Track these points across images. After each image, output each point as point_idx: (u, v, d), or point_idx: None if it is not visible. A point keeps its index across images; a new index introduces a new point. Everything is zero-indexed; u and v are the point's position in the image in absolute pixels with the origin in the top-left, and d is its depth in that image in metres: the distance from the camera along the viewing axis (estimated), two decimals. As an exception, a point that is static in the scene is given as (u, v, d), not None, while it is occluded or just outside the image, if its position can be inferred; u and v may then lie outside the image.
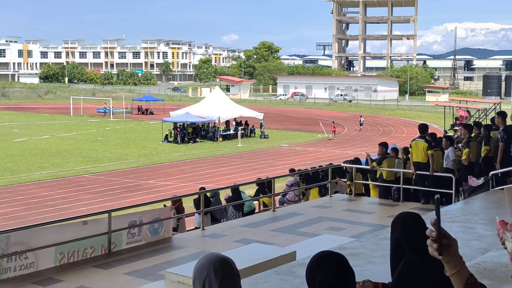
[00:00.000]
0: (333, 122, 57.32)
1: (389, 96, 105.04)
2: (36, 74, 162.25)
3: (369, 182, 15.87)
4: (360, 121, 62.10)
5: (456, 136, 23.86)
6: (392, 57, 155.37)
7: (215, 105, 50.75)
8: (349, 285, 2.88)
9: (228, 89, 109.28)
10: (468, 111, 49.07)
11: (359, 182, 15.78)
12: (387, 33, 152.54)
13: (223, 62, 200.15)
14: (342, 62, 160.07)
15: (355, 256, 7.47)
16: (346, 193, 16.05)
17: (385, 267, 6.98)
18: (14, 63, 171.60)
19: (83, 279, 9.38)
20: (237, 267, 2.85)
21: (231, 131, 51.34)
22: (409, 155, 14.58)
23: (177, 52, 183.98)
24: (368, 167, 15.24)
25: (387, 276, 4.54)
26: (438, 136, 17.17)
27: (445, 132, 38.79)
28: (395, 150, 15.93)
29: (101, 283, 9.19)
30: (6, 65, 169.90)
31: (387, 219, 12.75)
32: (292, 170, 19.16)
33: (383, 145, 15.31)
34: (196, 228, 14.40)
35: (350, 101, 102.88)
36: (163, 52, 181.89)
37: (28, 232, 9.95)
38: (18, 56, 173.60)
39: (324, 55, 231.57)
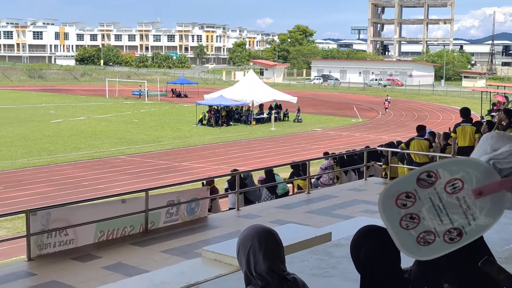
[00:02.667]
0: (386, 99, 61.06)
1: (425, 81, 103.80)
2: (72, 56, 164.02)
3: (405, 166, 15.77)
4: (388, 99, 62.76)
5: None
6: (428, 42, 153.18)
7: (248, 88, 50.78)
8: (394, 261, 2.88)
9: (261, 73, 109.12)
10: (506, 97, 48.32)
11: (395, 166, 15.69)
12: (424, 17, 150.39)
13: (257, 45, 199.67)
14: (377, 46, 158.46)
15: (390, 238, 7.47)
16: (381, 177, 15.98)
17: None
18: (50, 45, 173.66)
19: (120, 256, 9.56)
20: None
21: (265, 115, 51.34)
22: (450, 141, 14.41)
23: (212, 36, 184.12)
24: (402, 151, 15.18)
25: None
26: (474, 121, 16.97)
27: (482, 118, 38.25)
28: (432, 134, 15.81)
29: (138, 260, 9.36)
30: (43, 47, 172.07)
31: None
32: (326, 154, 19.13)
33: (418, 128, 15.24)
34: (230, 209, 14.51)
35: (385, 86, 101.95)
36: (197, 35, 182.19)
37: (68, 209, 10.17)
38: (55, 39, 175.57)
39: (359, 39, 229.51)
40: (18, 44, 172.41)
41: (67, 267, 9.11)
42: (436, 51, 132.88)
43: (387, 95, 66.56)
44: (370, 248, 2.83)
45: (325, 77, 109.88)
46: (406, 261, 4.00)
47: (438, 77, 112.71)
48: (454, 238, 2.70)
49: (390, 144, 17.90)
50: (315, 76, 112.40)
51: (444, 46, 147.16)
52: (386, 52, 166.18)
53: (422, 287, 3.12)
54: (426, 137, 15.25)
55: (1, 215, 16.09)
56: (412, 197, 2.65)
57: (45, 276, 8.69)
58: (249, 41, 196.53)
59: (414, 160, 14.89)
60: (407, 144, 15.12)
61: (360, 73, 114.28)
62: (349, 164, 17.83)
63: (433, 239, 2.69)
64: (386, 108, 61.80)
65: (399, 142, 18.87)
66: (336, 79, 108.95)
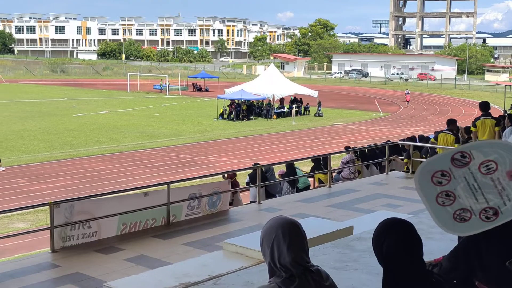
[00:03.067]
0: (408, 92, 62.55)
1: (447, 75, 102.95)
2: (94, 50, 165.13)
3: (421, 159, 15.69)
4: (407, 92, 63.48)
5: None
6: (450, 35, 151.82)
7: (269, 82, 50.75)
8: (416, 253, 2.88)
9: (282, 67, 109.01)
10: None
11: (417, 160, 15.60)
12: (446, 10, 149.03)
13: (277, 39, 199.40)
14: (399, 40, 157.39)
15: (413, 231, 7.45)
16: (403, 171, 15.91)
17: (444, 243, 6.95)
18: (73, 40, 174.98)
19: (143, 249, 9.64)
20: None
21: (285, 109, 51.29)
22: (472, 134, 14.29)
23: (232, 30, 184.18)
24: (423, 144, 15.11)
25: (445, 252, 4.53)
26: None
27: (505, 112, 37.86)
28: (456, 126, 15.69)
29: (160, 252, 9.43)
30: (65, 41, 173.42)
31: (445, 197, 12.62)
32: (347, 147, 19.07)
33: (447, 122, 15.16)
34: (251, 202, 14.54)
35: (406, 79, 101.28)
36: (218, 30, 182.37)
37: (91, 202, 10.27)
38: (77, 33, 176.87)
39: (380, 33, 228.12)
40: (40, 39, 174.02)
41: (90, 259, 9.20)
42: (459, 45, 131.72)
43: (406, 89, 66.75)
44: (392, 240, 2.84)
45: (355, 71, 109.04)
46: (431, 255, 3.99)
47: (460, 71, 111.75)
48: (490, 217, 2.73)
49: (412, 138, 17.82)
50: (346, 71, 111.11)
51: (466, 39, 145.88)
52: (408, 46, 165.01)
53: (452, 283, 3.11)
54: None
55: (25, 208, 16.34)
56: (447, 176, 2.69)
57: (69, 268, 8.79)
58: (270, 35, 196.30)
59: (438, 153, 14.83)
60: (436, 138, 15.09)
61: (381, 67, 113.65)
62: (370, 158, 17.76)
63: (469, 217, 2.73)
64: (407, 101, 62.20)
65: (421, 136, 18.78)
66: (367, 73, 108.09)
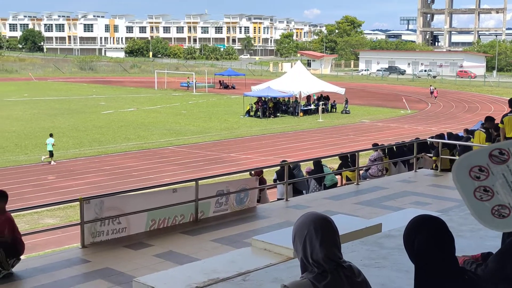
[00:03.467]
0: (435, 88, 64.07)
1: (476, 72, 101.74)
2: (121, 48, 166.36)
3: (456, 157, 15.53)
4: (431, 89, 64.70)
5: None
6: (479, 32, 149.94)
7: (296, 80, 50.66)
8: (448, 250, 2.86)
9: (309, 64, 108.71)
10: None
11: (446, 158, 15.45)
12: (475, 7, 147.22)
13: (304, 37, 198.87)
14: (427, 37, 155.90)
15: (443, 229, 7.39)
16: (432, 169, 15.78)
17: (473, 241, 6.90)
18: (101, 38, 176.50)
19: (171, 245, 9.70)
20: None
21: (312, 106, 51.17)
22: (500, 131, 14.13)
23: (259, 27, 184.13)
24: (453, 142, 14.97)
25: (476, 250, 4.49)
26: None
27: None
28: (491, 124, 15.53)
29: (189, 248, 9.48)
30: (93, 39, 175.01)
31: (475, 195, 12.48)
32: (375, 145, 18.95)
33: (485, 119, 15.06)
34: (278, 199, 14.54)
35: (434, 77, 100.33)
36: (245, 27, 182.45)
37: (121, 198, 10.37)
38: (105, 31, 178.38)
39: (408, 29, 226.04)
40: (69, 37, 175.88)
41: (120, 254, 9.29)
42: (488, 41, 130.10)
43: (430, 85, 66.58)
44: (423, 237, 2.82)
45: (391, 69, 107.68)
46: (461, 253, 3.96)
47: (489, 68, 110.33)
48: None
49: (441, 136, 17.65)
50: (383, 68, 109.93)
51: (496, 36, 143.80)
52: (436, 43, 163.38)
53: (490, 281, 3.07)
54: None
55: (56, 203, 16.54)
56: (485, 171, 2.68)
57: (99, 263, 8.89)
58: (297, 32, 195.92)
59: None
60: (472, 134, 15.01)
61: (409, 64, 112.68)
62: (398, 155, 17.64)
63: (508, 214, 2.71)
64: (435, 97, 62.70)
65: (450, 134, 18.59)
66: (404, 70, 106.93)
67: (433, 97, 63.59)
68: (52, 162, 28.82)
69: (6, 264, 8.31)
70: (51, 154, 28.82)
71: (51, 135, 29.74)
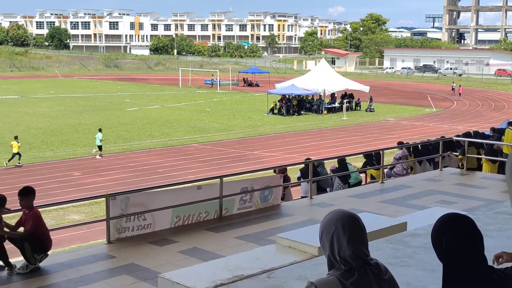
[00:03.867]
0: (459, 86, 64.54)
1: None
2: (146, 46, 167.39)
3: (482, 156, 15.38)
4: (453, 86, 66.48)
5: None
6: (506, 29, 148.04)
7: (320, 77, 50.50)
8: (477, 249, 2.83)
9: (333, 62, 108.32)
10: None
11: (472, 156, 15.30)
12: (502, 4, 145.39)
13: (329, 34, 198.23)
14: (453, 34, 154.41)
15: (469, 228, 7.33)
16: (457, 167, 15.63)
17: (501, 240, 6.83)
18: (126, 35, 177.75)
19: (196, 241, 9.75)
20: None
21: (336, 104, 50.99)
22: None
23: (283, 25, 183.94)
24: (480, 141, 14.82)
25: (502, 250, 4.44)
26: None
27: None
28: (509, 124, 15.36)
29: (213, 245, 9.52)
30: (118, 37, 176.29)
31: (502, 195, 12.36)
32: (400, 143, 18.84)
33: None
34: (302, 197, 14.52)
35: (460, 75, 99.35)
36: (269, 25, 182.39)
37: (146, 195, 10.43)
38: (130, 29, 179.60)
39: (433, 27, 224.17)
40: (95, 34, 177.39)
41: (145, 250, 9.36)
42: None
43: (453, 82, 68.21)
44: (451, 235, 2.80)
45: (426, 67, 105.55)
46: (487, 252, 3.92)
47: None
48: None
49: (467, 134, 17.47)
50: (417, 66, 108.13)
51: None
52: (462, 41, 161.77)
53: None
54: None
55: (82, 199, 16.70)
56: None
57: (124, 259, 8.96)
58: (321, 30, 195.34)
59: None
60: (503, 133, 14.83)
61: (434, 62, 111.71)
62: (423, 154, 17.51)
63: None
64: (460, 94, 63.03)
65: (476, 132, 18.41)
66: (439, 69, 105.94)
67: (456, 93, 63.44)
68: (98, 156, 29.70)
69: (32, 259, 8.42)
70: (99, 148, 30.07)
71: (100, 130, 30.82)
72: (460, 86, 65.47)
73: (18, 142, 27.79)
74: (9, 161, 27.31)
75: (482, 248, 2.84)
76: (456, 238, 2.79)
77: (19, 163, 27.52)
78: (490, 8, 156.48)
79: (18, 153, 27.48)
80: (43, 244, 8.55)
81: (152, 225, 10.17)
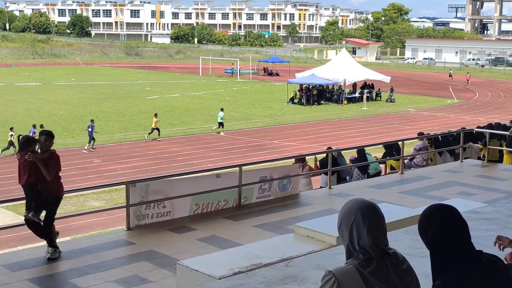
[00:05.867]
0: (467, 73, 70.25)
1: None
2: (167, 34, 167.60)
3: (503, 148, 15.23)
4: (450, 73, 72.66)
5: None
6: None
7: (341, 67, 50.29)
8: (462, 236, 2.86)
9: (354, 52, 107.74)
10: None
11: (494, 148, 15.15)
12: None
13: (350, 24, 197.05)
14: (476, 25, 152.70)
15: (489, 220, 7.30)
16: (478, 159, 15.51)
17: (521, 233, 6.77)
18: (147, 24, 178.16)
19: (214, 229, 9.80)
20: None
21: (357, 94, 50.77)
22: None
23: (304, 14, 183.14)
24: (502, 132, 14.67)
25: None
26: None
27: None
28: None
29: (232, 233, 9.56)
30: (139, 25, 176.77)
31: (523, 187, 12.26)
32: (421, 134, 18.72)
33: None
34: (321, 187, 14.49)
35: (482, 65, 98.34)
36: (290, 14, 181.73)
37: (166, 182, 10.49)
38: (151, 17, 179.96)
39: (456, 17, 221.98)
40: (116, 22, 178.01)
41: (164, 237, 9.43)
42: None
43: (450, 69, 75.23)
44: (436, 225, 2.85)
45: (498, 61, 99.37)
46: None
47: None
48: None
49: (489, 126, 17.31)
50: (489, 58, 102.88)
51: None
52: (485, 31, 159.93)
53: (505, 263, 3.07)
54: None
55: (102, 186, 16.85)
56: None
57: (143, 246, 9.04)
58: (342, 19, 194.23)
59: None
60: None
61: (456, 52, 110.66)
62: (444, 145, 17.38)
63: None
64: (468, 80, 67.26)
65: (497, 124, 18.24)
66: (431, 58, 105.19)
67: (454, 80, 66.84)
68: (222, 133, 33.34)
69: (54, 236, 8.55)
70: (220, 125, 33.82)
71: (222, 110, 34.51)
72: (468, 73, 69.80)
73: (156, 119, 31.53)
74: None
75: (468, 236, 2.88)
76: (440, 226, 2.84)
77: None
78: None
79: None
80: (61, 187, 8.54)
81: (171, 212, 10.23)
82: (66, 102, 45.51)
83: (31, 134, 26.28)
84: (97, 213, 15.61)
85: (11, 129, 27.96)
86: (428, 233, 2.89)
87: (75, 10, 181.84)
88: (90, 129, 28.78)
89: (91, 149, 28.75)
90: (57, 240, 8.78)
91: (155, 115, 32.46)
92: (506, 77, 79.10)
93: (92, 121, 29.71)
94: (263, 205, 11.20)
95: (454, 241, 2.84)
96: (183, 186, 10.36)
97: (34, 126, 28.77)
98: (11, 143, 27.08)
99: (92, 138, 28.77)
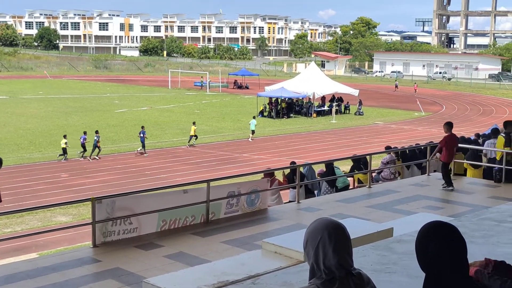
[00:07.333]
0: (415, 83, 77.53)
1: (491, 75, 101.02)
2: (136, 47, 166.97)
3: (464, 161, 15.46)
4: (396, 84, 79.27)
5: None
6: (495, 34, 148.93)
7: (310, 80, 50.59)
8: (462, 256, 2.79)
9: (323, 65, 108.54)
10: None
11: (459, 162, 15.36)
12: (491, 9, 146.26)
13: (319, 37, 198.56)
14: (442, 39, 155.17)
15: (455, 235, 7.33)
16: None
17: (486, 247, 6.84)
18: (116, 36, 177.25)
19: (182, 246, 9.70)
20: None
21: (326, 107, 51.08)
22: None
23: (273, 27, 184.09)
24: (466, 146, 14.85)
25: (487, 256, 4.44)
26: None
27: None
28: (494, 131, 15.43)
29: (199, 250, 9.47)
30: (108, 38, 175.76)
31: (488, 200, 12.41)
32: (388, 148, 18.88)
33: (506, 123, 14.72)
34: (290, 201, 14.49)
35: (449, 79, 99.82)
36: (259, 27, 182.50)
37: (132, 198, 10.37)
38: (120, 30, 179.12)
39: (423, 31, 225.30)
40: (84, 35, 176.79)
41: (131, 254, 9.30)
42: (504, 44, 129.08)
43: (395, 80, 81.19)
44: (437, 244, 2.75)
45: (504, 76, 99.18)
46: (472, 258, 3.92)
47: (505, 71, 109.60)
48: None
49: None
50: (492, 74, 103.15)
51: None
52: (451, 45, 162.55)
53: None
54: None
55: (68, 203, 16.59)
56: None
57: (109, 263, 8.90)
58: (311, 33, 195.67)
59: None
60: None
61: (423, 66, 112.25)
62: (411, 158, 17.55)
63: None
64: (415, 90, 73.85)
65: (462, 138, 18.47)
66: (399, 72, 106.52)
67: (399, 91, 72.41)
68: (250, 139, 36.21)
69: None
70: (253, 132, 36.72)
71: (254, 118, 38.28)
72: (415, 83, 78.44)
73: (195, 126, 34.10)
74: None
75: (466, 256, 2.81)
76: (441, 246, 2.74)
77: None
78: (479, 13, 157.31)
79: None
80: None
81: (138, 229, 10.11)
82: (33, 115, 44.95)
83: (81, 141, 30.13)
84: (64, 229, 15.40)
85: (65, 136, 29.98)
86: (428, 252, 2.76)
87: (43, 22, 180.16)
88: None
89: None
90: (23, 258, 8.61)
91: (194, 123, 34.78)
92: (472, 90, 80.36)
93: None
94: (231, 220, 11.14)
95: (454, 262, 2.75)
96: (150, 202, 10.26)
97: (85, 133, 30.86)
98: (64, 150, 29.56)
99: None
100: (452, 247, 2.75)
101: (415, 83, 79.19)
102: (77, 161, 29.47)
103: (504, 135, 14.30)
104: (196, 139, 34.21)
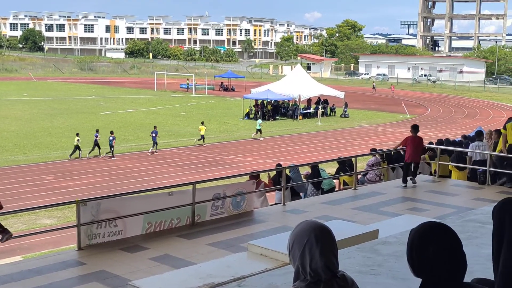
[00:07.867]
0: (392, 85, 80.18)
1: (475, 78, 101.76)
2: (122, 49, 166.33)
3: (449, 163, 15.55)
4: (373, 85, 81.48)
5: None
6: (479, 37, 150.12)
7: (295, 83, 50.70)
8: (462, 260, 2.63)
9: (309, 67, 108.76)
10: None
11: (444, 164, 15.45)
12: (476, 12, 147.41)
13: (304, 40, 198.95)
14: (427, 41, 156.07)
15: (439, 236, 7.37)
16: (430, 174, 15.77)
17: (470, 249, 6.86)
18: (101, 38, 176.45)
19: (167, 248, 9.68)
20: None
21: (311, 110, 51.18)
22: (502, 137, 14.10)
23: (259, 30, 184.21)
24: (451, 148, 14.95)
25: (471, 258, 4.46)
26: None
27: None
28: (478, 133, 15.54)
29: (185, 252, 9.46)
30: (94, 40, 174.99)
31: (472, 202, 12.50)
32: (373, 150, 18.95)
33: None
34: (276, 203, 14.49)
35: (434, 81, 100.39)
36: (245, 30, 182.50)
37: (117, 201, 10.33)
38: (105, 32, 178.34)
39: (408, 34, 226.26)
40: (70, 37, 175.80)
41: (116, 257, 9.27)
42: (488, 47, 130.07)
43: (373, 82, 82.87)
44: (437, 249, 2.57)
45: (501, 79, 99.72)
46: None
47: (489, 73, 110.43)
48: None
49: (439, 141, 17.64)
50: (489, 78, 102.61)
51: (496, 41, 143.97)
52: (436, 48, 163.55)
53: None
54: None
55: (52, 205, 16.51)
56: None
57: (94, 266, 8.87)
58: (297, 35, 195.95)
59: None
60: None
61: (409, 68, 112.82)
62: (396, 161, 17.62)
63: None
64: (392, 91, 76.14)
65: (447, 140, 18.59)
66: (384, 74, 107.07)
67: (376, 92, 74.63)
68: (261, 138, 37.69)
69: None
70: (259, 131, 37.84)
71: (258, 119, 39.80)
72: (392, 84, 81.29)
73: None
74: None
75: (465, 259, 2.62)
76: (442, 251, 2.56)
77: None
78: (464, 16, 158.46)
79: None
80: None
81: (123, 231, 10.08)
82: (18, 117, 44.65)
83: (95, 138, 31.11)
84: (48, 232, 15.31)
85: (77, 134, 30.84)
86: (428, 257, 2.56)
87: (28, 24, 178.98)
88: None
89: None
90: (7, 261, 8.55)
91: (202, 123, 35.68)
92: (457, 92, 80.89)
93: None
94: (217, 222, 11.13)
95: (454, 267, 2.57)
96: (135, 205, 10.23)
97: (97, 130, 31.80)
98: (77, 147, 30.34)
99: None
100: (451, 252, 2.58)
101: (391, 84, 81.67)
102: (62, 163, 29.28)
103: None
104: (203, 140, 35.09)
